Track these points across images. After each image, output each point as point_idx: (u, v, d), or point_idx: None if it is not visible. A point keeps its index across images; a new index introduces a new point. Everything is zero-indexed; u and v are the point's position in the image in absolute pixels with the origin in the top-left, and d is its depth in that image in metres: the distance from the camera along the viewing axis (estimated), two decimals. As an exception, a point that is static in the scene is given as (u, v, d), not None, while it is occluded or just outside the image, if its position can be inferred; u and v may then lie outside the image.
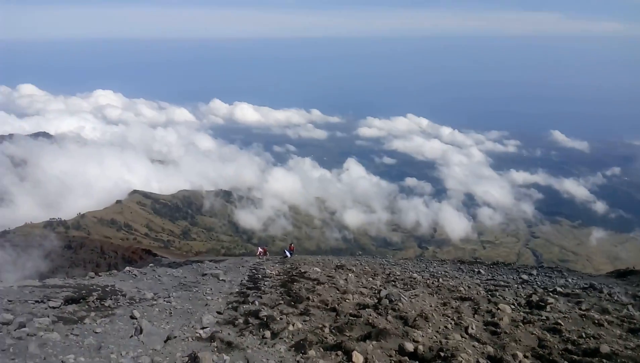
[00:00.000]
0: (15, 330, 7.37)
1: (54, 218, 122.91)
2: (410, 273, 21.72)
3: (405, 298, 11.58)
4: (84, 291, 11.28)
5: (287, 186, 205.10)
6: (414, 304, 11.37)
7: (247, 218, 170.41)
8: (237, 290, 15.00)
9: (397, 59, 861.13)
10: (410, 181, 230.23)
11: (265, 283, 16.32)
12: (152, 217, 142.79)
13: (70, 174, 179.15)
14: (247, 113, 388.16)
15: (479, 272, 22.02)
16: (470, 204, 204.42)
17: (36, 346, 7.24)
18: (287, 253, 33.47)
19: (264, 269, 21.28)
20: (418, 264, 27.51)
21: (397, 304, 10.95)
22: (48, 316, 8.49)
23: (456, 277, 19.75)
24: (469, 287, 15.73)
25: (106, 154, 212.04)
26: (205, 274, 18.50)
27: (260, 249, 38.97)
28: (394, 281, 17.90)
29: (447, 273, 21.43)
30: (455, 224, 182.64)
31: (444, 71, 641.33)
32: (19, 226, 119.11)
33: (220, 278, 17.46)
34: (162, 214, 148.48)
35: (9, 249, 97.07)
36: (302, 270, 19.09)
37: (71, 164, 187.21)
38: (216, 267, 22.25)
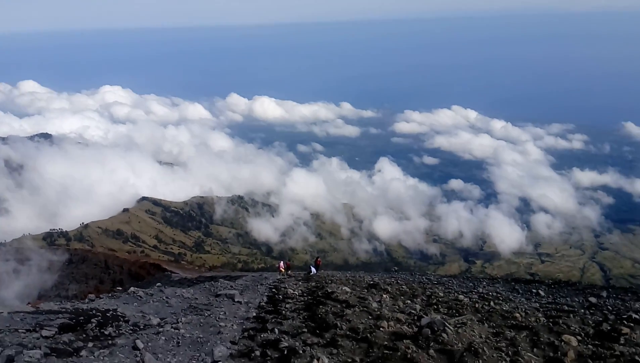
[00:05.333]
0: (3, 366, 7.50)
1: (54, 229, 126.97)
2: (456, 294, 21.22)
3: (451, 328, 11.27)
4: (81, 318, 11.49)
5: (309, 190, 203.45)
6: (461, 335, 11.06)
7: (263, 228, 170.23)
8: (254, 314, 14.96)
9: (439, 41, 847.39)
10: (455, 184, 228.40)
11: (287, 305, 16.20)
12: (162, 227, 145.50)
13: (72, 179, 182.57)
14: (268, 108, 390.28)
15: (537, 294, 21.30)
16: (525, 210, 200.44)
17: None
18: (313, 269, 33.41)
19: (285, 288, 21.18)
20: (465, 283, 26.89)
21: (440, 335, 10.66)
22: (40, 348, 8.62)
23: (510, 300, 19.16)
24: (526, 313, 15.23)
25: (110, 156, 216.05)
26: (219, 295, 18.57)
27: (282, 264, 39.05)
28: (437, 305, 17.52)
29: (499, 295, 20.80)
30: (507, 235, 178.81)
31: (495, 55, 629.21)
32: (15, 238, 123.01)
33: (236, 300, 17.47)
34: (173, 224, 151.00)
35: (4, 264, 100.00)
36: (329, 290, 18.90)
37: (72, 168, 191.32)
38: (232, 286, 22.30)
